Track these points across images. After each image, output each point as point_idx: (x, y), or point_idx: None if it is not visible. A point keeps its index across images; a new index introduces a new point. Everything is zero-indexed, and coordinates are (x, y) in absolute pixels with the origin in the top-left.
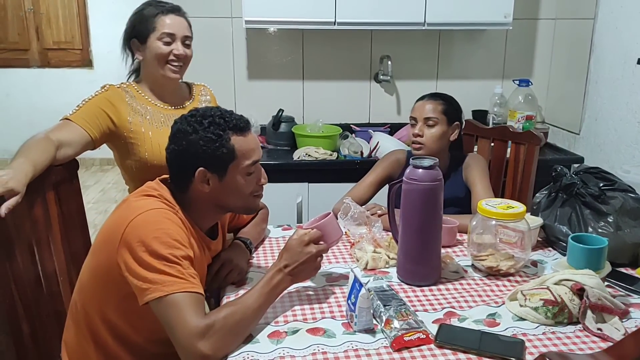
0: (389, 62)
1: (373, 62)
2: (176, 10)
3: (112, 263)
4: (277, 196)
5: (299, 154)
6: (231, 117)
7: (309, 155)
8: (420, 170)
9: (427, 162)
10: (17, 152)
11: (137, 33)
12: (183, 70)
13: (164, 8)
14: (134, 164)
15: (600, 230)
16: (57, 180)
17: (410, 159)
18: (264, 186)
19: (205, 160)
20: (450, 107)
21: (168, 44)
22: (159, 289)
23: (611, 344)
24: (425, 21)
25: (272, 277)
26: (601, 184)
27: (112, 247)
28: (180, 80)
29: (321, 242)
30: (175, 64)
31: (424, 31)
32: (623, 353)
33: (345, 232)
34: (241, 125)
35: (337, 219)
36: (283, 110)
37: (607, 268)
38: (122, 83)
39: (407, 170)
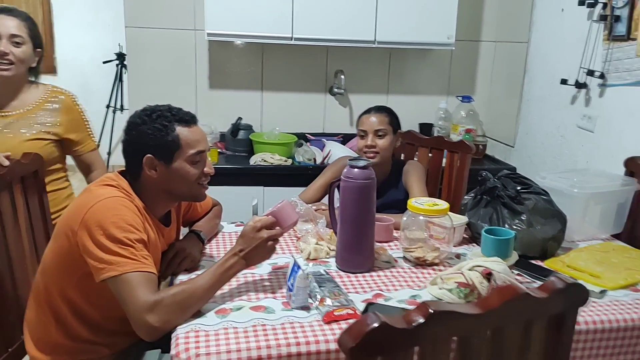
0: (342, 77)
1: (328, 75)
2: (7, 10)
3: (72, 245)
4: (235, 198)
5: (255, 160)
6: (178, 111)
7: (264, 161)
8: (356, 169)
9: (361, 163)
10: None
11: None
12: (15, 70)
13: None
14: None
15: (514, 227)
16: (23, 174)
17: (348, 160)
18: (209, 177)
19: (152, 148)
20: (394, 118)
21: None
22: (113, 268)
23: None
24: (375, 39)
25: (226, 261)
26: (518, 187)
27: (73, 230)
28: (32, 82)
29: (277, 228)
30: (2, 62)
31: (375, 49)
32: (487, 303)
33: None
34: (186, 119)
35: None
36: (242, 119)
37: (514, 257)
38: None
39: (345, 170)
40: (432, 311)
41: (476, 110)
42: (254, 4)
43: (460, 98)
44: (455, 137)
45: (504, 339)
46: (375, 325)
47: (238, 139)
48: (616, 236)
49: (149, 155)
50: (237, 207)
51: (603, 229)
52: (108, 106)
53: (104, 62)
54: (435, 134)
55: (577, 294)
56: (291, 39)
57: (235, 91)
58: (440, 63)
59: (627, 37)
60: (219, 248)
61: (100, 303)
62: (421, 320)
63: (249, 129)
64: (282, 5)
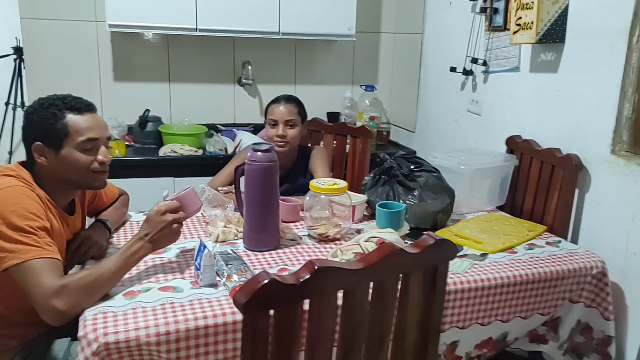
0: (250, 67)
1: (236, 66)
2: None
3: None
4: (145, 190)
5: (164, 151)
6: (73, 100)
7: (174, 152)
8: (259, 153)
9: (264, 146)
10: None
11: None
12: None
13: None
14: None
15: (408, 202)
16: None
17: (251, 144)
18: (106, 165)
19: (41, 135)
20: (301, 108)
21: None
22: (16, 256)
23: None
24: (280, 31)
25: (132, 245)
26: (412, 166)
27: None
28: None
29: (181, 213)
30: None
31: (281, 40)
32: (368, 259)
33: (202, 213)
34: (78, 106)
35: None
36: (149, 111)
37: (406, 228)
38: None
39: (249, 154)
40: (317, 267)
41: (379, 99)
42: None
43: (364, 87)
44: (360, 125)
45: (384, 291)
46: (266, 281)
47: (146, 131)
48: (500, 207)
49: (37, 142)
50: (147, 198)
51: (488, 201)
52: (7, 103)
53: (0, 57)
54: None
55: (446, 249)
56: (196, 30)
57: (141, 83)
58: (344, 54)
59: (504, 27)
60: (127, 236)
61: (5, 294)
62: (307, 275)
63: (157, 120)
64: None
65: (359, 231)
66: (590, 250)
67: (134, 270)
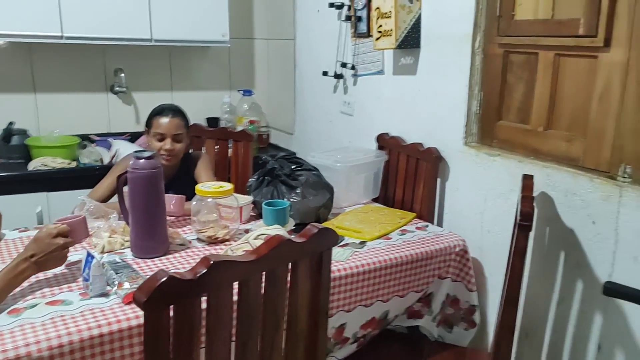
0: (123, 75)
1: (107, 74)
2: None
3: None
4: (15, 207)
5: (34, 165)
6: None
7: (45, 165)
8: (142, 160)
9: (147, 154)
10: None
11: None
12: None
13: None
14: None
15: (292, 199)
16: None
17: (133, 152)
18: None
19: None
20: (186, 119)
21: None
22: None
23: None
24: (152, 37)
25: (16, 265)
26: (293, 166)
27: None
28: None
29: (70, 238)
30: None
31: (154, 46)
32: (259, 251)
33: None
34: None
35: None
36: (14, 123)
37: (292, 223)
38: None
39: (131, 162)
40: (213, 262)
41: (258, 103)
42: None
43: (242, 92)
44: (241, 129)
45: (276, 279)
46: (164, 278)
47: (12, 145)
48: (374, 199)
49: None
50: (19, 215)
51: (363, 194)
52: None
53: None
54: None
55: (329, 237)
56: (61, 38)
57: (2, 95)
58: (219, 60)
59: (368, 34)
60: (3, 254)
61: None
62: (204, 270)
63: (23, 133)
64: (47, 1)
65: (247, 231)
66: (453, 231)
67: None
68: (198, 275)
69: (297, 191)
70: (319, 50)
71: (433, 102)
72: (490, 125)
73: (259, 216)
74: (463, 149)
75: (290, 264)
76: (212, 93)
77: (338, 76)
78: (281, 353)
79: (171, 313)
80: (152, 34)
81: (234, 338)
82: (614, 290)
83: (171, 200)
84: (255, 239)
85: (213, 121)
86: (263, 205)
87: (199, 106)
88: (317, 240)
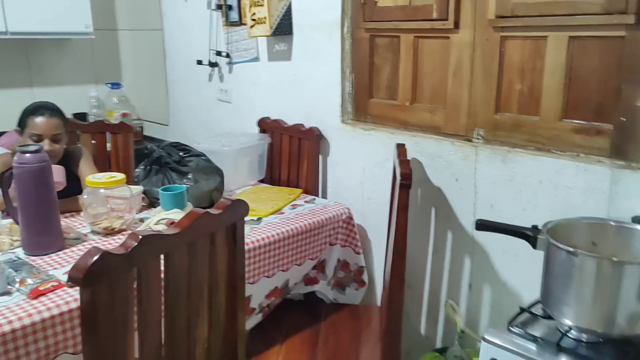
0: None
1: None
2: None
3: None
4: None
5: None
6: None
7: None
8: (28, 154)
9: (32, 147)
10: None
11: None
12: None
13: None
14: None
15: (184, 185)
16: None
17: (17, 147)
18: None
19: None
20: (64, 117)
21: None
22: None
23: None
24: (7, 30)
25: None
26: (181, 153)
27: None
28: None
29: None
30: None
31: (9, 40)
32: (181, 224)
33: None
34: None
35: None
36: None
37: (189, 207)
38: None
39: (16, 158)
40: (141, 236)
41: (127, 96)
42: None
43: (109, 85)
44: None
45: (197, 250)
46: (98, 255)
47: None
48: (261, 181)
49: None
50: None
51: (251, 176)
52: None
53: None
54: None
55: (240, 207)
56: None
57: None
58: (82, 52)
59: (240, 22)
60: None
61: None
62: (135, 243)
63: None
64: None
65: (142, 220)
66: (338, 201)
67: None
68: (130, 249)
69: (189, 176)
70: (190, 39)
71: (309, 85)
72: (363, 103)
73: (149, 205)
74: (341, 126)
75: (209, 235)
76: (77, 88)
77: (213, 64)
78: (205, 318)
79: (106, 289)
80: (6, 26)
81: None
82: (483, 225)
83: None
84: (156, 224)
85: (81, 117)
86: (160, 192)
87: (63, 101)
88: (231, 211)
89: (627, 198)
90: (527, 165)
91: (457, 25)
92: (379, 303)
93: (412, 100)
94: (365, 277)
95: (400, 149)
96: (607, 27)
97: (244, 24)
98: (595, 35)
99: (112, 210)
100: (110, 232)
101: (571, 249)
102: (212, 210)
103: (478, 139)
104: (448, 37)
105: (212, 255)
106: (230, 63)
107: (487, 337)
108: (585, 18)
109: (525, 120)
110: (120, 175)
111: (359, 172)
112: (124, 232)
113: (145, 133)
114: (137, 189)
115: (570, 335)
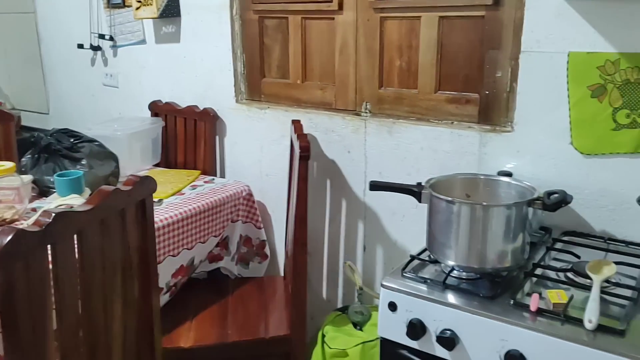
0: None
1: None
2: None
3: None
4: None
5: None
6: None
7: None
8: None
9: None
10: None
11: None
12: None
13: None
14: None
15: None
16: None
17: None
18: None
19: None
20: None
21: None
22: None
23: None
24: None
25: None
26: (72, 140)
27: None
28: None
29: None
30: None
31: None
32: (92, 201)
33: None
34: None
35: None
36: None
37: (87, 192)
38: None
39: None
40: (54, 213)
41: None
42: None
43: None
44: None
45: (109, 227)
46: (12, 234)
47: None
48: (157, 165)
49: None
50: None
51: (146, 160)
52: None
53: None
54: None
55: (149, 184)
56: None
57: None
58: None
59: (123, 4)
60: None
61: None
62: (49, 220)
63: None
64: None
65: (34, 209)
66: (238, 180)
67: None
68: (44, 226)
69: (82, 163)
70: (69, 22)
71: (201, 66)
72: (256, 82)
73: (40, 194)
74: (236, 106)
75: (119, 211)
76: None
77: (96, 48)
78: (119, 295)
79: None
80: None
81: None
82: (376, 185)
83: None
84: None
85: None
86: (55, 178)
87: None
88: (140, 187)
89: (493, 157)
90: (409, 134)
91: (341, 6)
92: (282, 274)
93: (303, 79)
94: (267, 250)
95: (296, 124)
96: (470, 8)
97: (128, 6)
98: (460, 15)
99: (0, 201)
100: (1, 223)
101: (449, 198)
102: (122, 187)
103: (366, 112)
104: (333, 18)
105: (123, 232)
106: (114, 46)
107: (384, 283)
108: (452, 0)
109: (405, 94)
110: (9, 164)
111: (256, 150)
112: (16, 223)
113: (23, 123)
114: (27, 177)
115: (453, 275)
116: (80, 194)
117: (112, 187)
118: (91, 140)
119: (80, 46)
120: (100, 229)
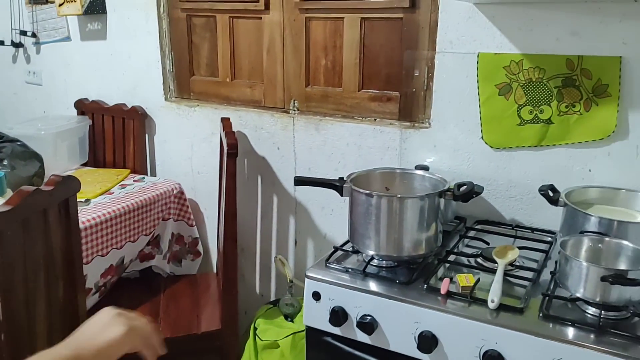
0: None
1: None
2: None
3: None
4: None
5: None
6: None
7: None
8: None
9: None
10: None
11: None
12: None
13: None
14: None
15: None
16: None
17: None
18: None
19: None
20: None
21: None
22: None
23: None
24: None
25: None
26: None
27: None
28: None
29: None
30: None
31: None
32: (11, 202)
33: None
34: None
35: None
36: None
37: (9, 193)
38: None
39: None
40: None
41: None
42: None
43: None
44: None
45: (30, 228)
46: None
47: None
48: (84, 165)
49: None
50: None
51: (72, 160)
52: None
53: None
54: None
55: (72, 184)
56: None
57: None
58: None
59: (46, 0)
60: None
61: None
62: None
63: None
64: None
65: None
66: (168, 178)
67: None
68: None
69: (4, 163)
70: None
71: (128, 64)
72: (185, 80)
73: None
74: (165, 104)
75: (42, 211)
76: None
77: (17, 45)
78: (43, 295)
79: None
80: None
81: None
82: (300, 181)
83: None
84: None
85: None
86: None
87: None
88: (63, 188)
89: (413, 152)
90: (336, 131)
91: (267, 6)
92: (215, 270)
93: (232, 77)
94: (200, 247)
95: (225, 122)
96: (389, 10)
97: (51, 2)
98: (380, 17)
99: None
100: None
101: (367, 192)
102: (44, 187)
103: (294, 110)
104: (260, 18)
105: (46, 232)
106: (37, 43)
107: (309, 274)
108: (372, 2)
109: (331, 92)
110: None
111: (187, 148)
112: None
113: None
114: None
115: (372, 263)
116: (2, 195)
117: (32, 188)
118: (13, 140)
119: (1, 43)
120: (21, 229)
